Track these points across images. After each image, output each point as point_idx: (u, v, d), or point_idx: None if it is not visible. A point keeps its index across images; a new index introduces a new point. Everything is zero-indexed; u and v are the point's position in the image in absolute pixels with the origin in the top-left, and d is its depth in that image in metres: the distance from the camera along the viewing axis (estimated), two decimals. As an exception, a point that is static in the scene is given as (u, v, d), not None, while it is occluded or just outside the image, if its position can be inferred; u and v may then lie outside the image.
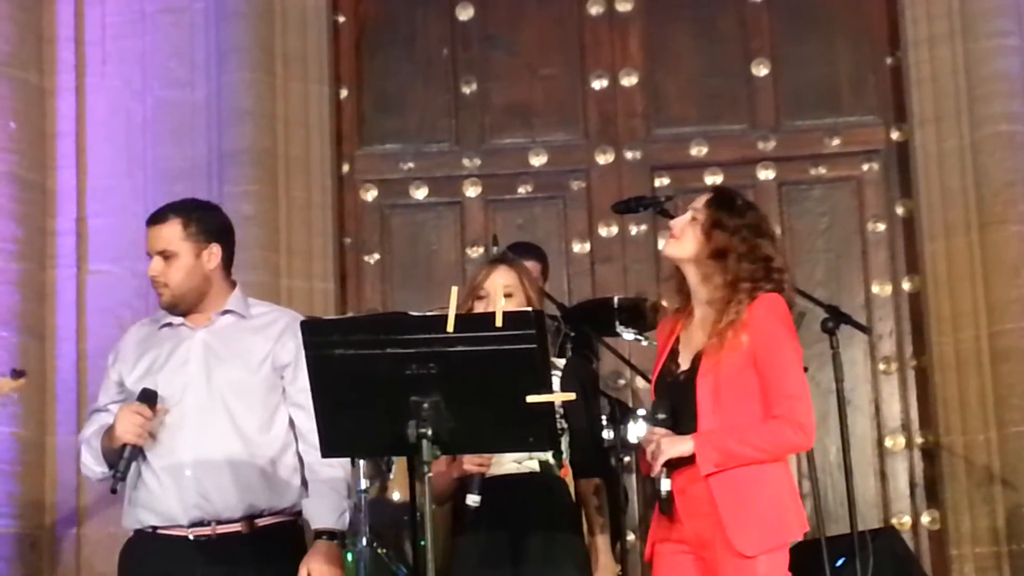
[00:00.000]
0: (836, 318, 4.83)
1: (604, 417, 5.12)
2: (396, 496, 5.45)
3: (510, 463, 3.91)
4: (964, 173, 6.32)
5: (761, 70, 6.82)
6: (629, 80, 6.87)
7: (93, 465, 3.94)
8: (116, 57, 6.56)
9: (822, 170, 6.76)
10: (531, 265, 4.82)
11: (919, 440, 6.49)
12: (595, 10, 6.92)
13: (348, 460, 4.04)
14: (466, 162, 6.87)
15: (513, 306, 3.84)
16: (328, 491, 3.89)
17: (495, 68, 6.93)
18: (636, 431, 4.99)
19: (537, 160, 6.85)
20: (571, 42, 6.91)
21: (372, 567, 5.08)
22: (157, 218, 3.96)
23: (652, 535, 3.77)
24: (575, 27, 6.92)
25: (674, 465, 3.63)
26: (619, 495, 5.06)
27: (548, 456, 3.91)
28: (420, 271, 6.79)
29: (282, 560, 3.86)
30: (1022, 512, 6.03)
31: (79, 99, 6.49)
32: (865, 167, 6.74)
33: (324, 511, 3.88)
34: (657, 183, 6.74)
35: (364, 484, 5.13)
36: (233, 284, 4.04)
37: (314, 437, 3.73)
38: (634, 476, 5.95)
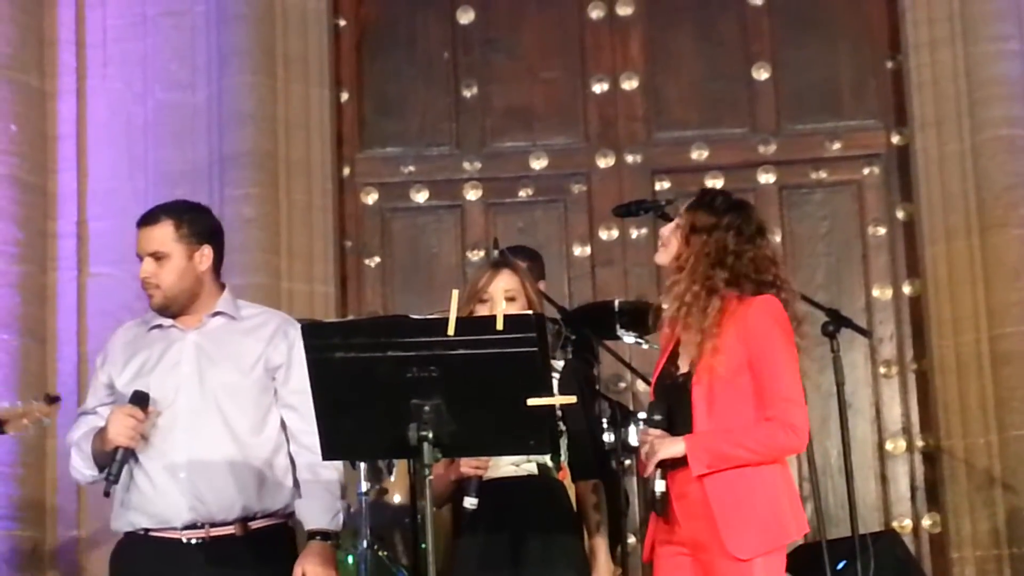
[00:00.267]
0: (837, 322, 4.83)
1: (605, 420, 5.12)
2: (396, 499, 5.44)
3: (508, 466, 3.90)
4: (965, 177, 6.32)
5: (762, 74, 6.81)
6: (630, 83, 6.86)
7: (83, 468, 3.92)
8: (117, 60, 6.57)
9: (823, 174, 6.76)
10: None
11: (920, 443, 6.49)
12: (596, 13, 6.92)
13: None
14: (467, 165, 6.86)
15: (515, 310, 3.83)
16: (321, 492, 3.88)
17: (496, 71, 6.92)
18: (636, 434, 4.99)
19: (538, 163, 6.85)
20: (572, 45, 6.91)
21: (373, 569, 5.08)
22: (148, 219, 3.94)
23: (650, 536, 3.78)
24: (576, 30, 6.92)
25: (670, 467, 3.65)
26: (620, 498, 5.06)
27: (546, 459, 3.90)
28: (421, 274, 6.79)
29: (276, 562, 3.85)
30: (1023, 515, 6.03)
31: (80, 102, 6.50)
32: (866, 171, 6.74)
33: (318, 511, 3.88)
34: (658, 187, 6.74)
35: (364, 487, 5.13)
36: (222, 286, 4.03)
37: (306, 438, 3.75)
38: (635, 479, 5.94)
